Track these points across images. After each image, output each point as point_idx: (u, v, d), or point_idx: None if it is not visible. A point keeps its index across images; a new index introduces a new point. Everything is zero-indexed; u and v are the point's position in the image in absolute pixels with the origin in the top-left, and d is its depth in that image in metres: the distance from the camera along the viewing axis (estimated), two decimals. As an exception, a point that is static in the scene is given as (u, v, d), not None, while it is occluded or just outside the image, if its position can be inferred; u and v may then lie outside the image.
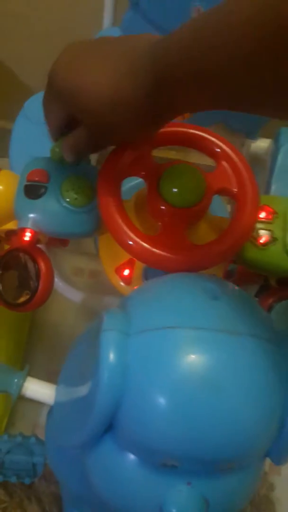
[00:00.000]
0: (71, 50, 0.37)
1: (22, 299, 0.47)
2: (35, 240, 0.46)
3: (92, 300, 0.62)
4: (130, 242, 0.40)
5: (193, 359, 0.30)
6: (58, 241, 0.54)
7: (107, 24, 0.63)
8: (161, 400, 0.30)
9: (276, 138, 0.66)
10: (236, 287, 0.38)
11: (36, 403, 0.43)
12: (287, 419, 0.32)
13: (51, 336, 0.92)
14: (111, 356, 0.30)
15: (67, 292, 0.61)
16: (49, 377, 0.83)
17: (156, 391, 0.30)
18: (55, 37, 0.79)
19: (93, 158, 0.76)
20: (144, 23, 0.59)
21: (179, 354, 0.30)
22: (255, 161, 0.74)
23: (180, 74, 0.30)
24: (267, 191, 0.62)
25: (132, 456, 0.33)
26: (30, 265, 0.46)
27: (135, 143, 0.42)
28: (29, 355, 0.88)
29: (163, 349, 0.30)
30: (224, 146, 0.44)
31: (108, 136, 0.38)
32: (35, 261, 0.46)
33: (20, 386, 0.41)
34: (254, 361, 0.31)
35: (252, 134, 0.69)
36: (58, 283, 0.59)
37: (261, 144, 0.70)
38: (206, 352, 0.30)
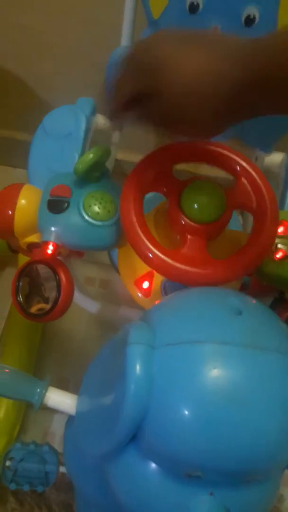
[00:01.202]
0: (165, 34, 0.36)
1: (38, 307, 0.48)
2: (56, 252, 0.47)
3: (105, 310, 0.63)
4: (151, 256, 0.41)
5: (218, 373, 0.31)
6: (75, 253, 0.55)
7: (126, 42, 0.65)
8: (187, 413, 0.30)
9: (290, 153, 0.67)
10: (260, 304, 0.39)
11: (47, 411, 0.44)
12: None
13: (62, 344, 0.93)
14: (138, 369, 0.31)
15: (82, 302, 0.62)
16: (59, 383, 0.83)
17: (181, 404, 0.31)
18: (73, 54, 0.81)
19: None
20: (162, 41, 0.60)
21: (205, 368, 0.31)
22: (268, 174, 0.75)
23: (270, 76, 0.31)
24: (281, 204, 0.63)
25: (155, 466, 0.34)
26: (50, 276, 0.48)
27: (197, 136, 0.40)
28: (40, 363, 0.88)
29: (189, 363, 0.31)
30: (243, 163, 0.45)
31: (177, 117, 0.36)
32: (56, 273, 0.47)
33: (42, 396, 0.42)
34: (279, 376, 0.32)
35: (267, 149, 0.70)
36: (74, 293, 0.60)
37: (275, 158, 0.71)
38: (231, 367, 0.31)
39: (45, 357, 0.90)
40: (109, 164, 0.78)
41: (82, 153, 0.61)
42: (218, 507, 0.33)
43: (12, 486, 0.62)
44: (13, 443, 0.64)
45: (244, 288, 0.60)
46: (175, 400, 0.31)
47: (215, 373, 0.31)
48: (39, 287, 0.50)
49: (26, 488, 0.66)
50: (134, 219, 0.42)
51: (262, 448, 0.31)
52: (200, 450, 0.31)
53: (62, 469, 0.59)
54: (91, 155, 0.45)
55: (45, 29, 0.78)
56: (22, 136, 0.98)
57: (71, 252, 0.55)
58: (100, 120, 0.70)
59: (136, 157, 0.46)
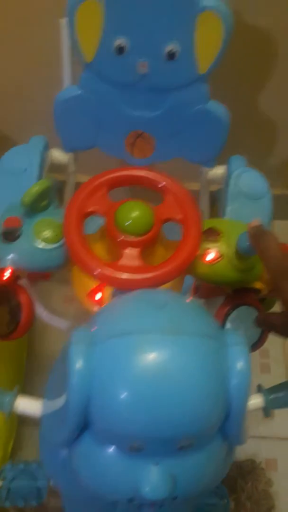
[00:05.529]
0: None
1: (5, 329, 0.54)
2: (15, 277, 0.53)
3: (74, 326, 0.68)
4: (95, 271, 0.47)
5: (145, 357, 0.37)
6: (39, 276, 0.61)
7: (67, 84, 0.72)
8: (122, 393, 0.36)
9: (228, 166, 0.74)
10: (185, 298, 0.45)
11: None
12: (232, 401, 0.39)
13: (48, 363, 0.98)
14: (78, 363, 0.37)
15: (52, 321, 0.67)
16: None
17: (117, 387, 0.37)
18: (23, 96, 0.89)
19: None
20: (99, 81, 0.68)
21: (134, 354, 0.37)
22: (214, 185, 0.82)
23: None
24: (224, 212, 0.70)
25: (108, 447, 0.40)
26: (12, 299, 0.54)
27: None
28: (29, 382, 0.94)
29: (120, 352, 0.37)
30: (167, 182, 0.52)
31: None
32: (15, 296, 0.53)
33: (12, 404, 0.47)
34: (195, 354, 0.38)
35: (209, 163, 0.78)
36: (43, 313, 0.65)
37: (218, 171, 0.78)
38: (155, 351, 0.37)
39: (33, 376, 0.95)
40: (70, 190, 0.85)
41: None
42: (164, 474, 0.39)
43: (7, 504, 0.66)
44: (5, 462, 0.68)
45: (197, 290, 0.66)
46: (111, 384, 0.37)
47: (141, 357, 0.37)
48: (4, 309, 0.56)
49: (21, 503, 0.70)
50: (76, 239, 0.48)
51: (188, 414, 0.36)
52: (137, 422, 0.36)
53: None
54: (35, 188, 0.52)
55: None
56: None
57: (35, 275, 0.61)
58: (55, 153, 0.77)
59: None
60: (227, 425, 0.41)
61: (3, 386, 0.83)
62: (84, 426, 0.40)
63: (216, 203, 0.86)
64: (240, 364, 0.39)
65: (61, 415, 0.41)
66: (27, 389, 0.90)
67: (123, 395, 0.36)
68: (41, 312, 0.66)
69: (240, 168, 0.71)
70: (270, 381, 0.98)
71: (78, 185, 0.86)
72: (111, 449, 0.40)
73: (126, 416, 0.37)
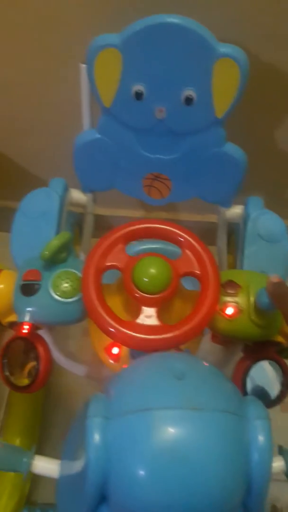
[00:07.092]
0: None
1: (25, 381, 0.53)
2: (34, 329, 0.53)
3: (92, 372, 0.67)
4: (111, 329, 0.47)
5: (163, 436, 0.36)
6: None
7: (86, 127, 0.73)
8: (139, 472, 0.35)
9: (245, 207, 0.74)
10: (204, 363, 0.44)
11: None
12: (253, 476, 0.37)
13: (66, 400, 0.97)
14: (96, 438, 0.37)
15: (69, 367, 0.66)
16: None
17: (134, 465, 0.36)
18: (42, 137, 0.90)
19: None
20: (117, 125, 0.68)
21: (151, 432, 0.36)
22: (232, 225, 0.81)
23: None
24: (242, 253, 0.69)
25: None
26: (31, 350, 0.53)
27: None
28: (47, 420, 0.93)
29: (137, 430, 0.37)
30: (186, 236, 0.51)
31: None
32: (34, 348, 0.53)
33: (29, 465, 0.46)
34: (217, 432, 0.37)
35: (226, 204, 0.77)
36: (60, 359, 0.65)
37: (236, 210, 0.77)
38: (174, 429, 0.36)
39: (52, 414, 0.94)
40: (88, 229, 0.85)
41: (58, 229, 0.68)
42: None
43: None
44: (21, 507, 0.68)
45: (214, 337, 0.65)
46: (128, 462, 0.36)
47: (159, 436, 0.36)
48: (24, 361, 0.56)
49: None
50: (93, 297, 0.48)
51: (207, 496, 0.35)
52: (154, 503, 0.35)
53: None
54: (55, 241, 0.52)
55: (21, 115, 0.87)
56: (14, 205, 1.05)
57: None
58: (74, 194, 0.78)
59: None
60: (248, 499, 0.39)
61: (20, 424, 0.83)
62: (102, 498, 0.39)
63: (233, 234, 0.85)
64: (261, 439, 0.38)
65: (78, 485, 0.40)
66: (45, 427, 0.90)
67: (140, 475, 0.35)
68: (59, 357, 0.65)
69: (257, 211, 0.70)
70: (291, 419, 0.96)
71: (97, 217, 0.87)
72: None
73: (142, 496, 0.36)
